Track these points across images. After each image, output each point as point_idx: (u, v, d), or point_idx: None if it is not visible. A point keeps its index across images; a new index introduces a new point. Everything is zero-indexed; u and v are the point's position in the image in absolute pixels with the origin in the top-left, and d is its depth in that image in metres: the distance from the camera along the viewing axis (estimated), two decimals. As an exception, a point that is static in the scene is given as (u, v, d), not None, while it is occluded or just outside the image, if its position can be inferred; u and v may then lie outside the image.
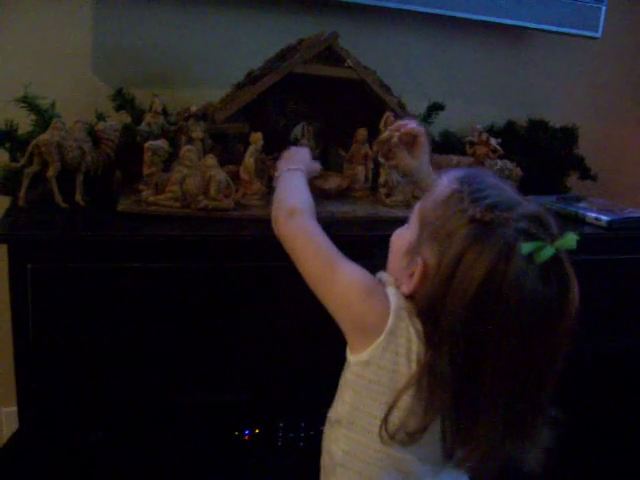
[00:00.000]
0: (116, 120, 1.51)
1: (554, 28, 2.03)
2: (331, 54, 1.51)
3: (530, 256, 0.74)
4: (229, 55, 1.81)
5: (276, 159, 1.44)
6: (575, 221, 1.65)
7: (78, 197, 1.38)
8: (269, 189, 1.46)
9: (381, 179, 1.54)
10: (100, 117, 1.53)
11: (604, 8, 2.05)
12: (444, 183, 0.85)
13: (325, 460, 0.95)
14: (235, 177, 1.41)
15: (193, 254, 1.29)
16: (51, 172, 1.32)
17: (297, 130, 1.54)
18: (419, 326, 0.81)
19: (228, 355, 1.35)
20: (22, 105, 1.41)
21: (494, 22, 1.95)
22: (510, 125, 2.05)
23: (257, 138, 1.41)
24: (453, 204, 0.80)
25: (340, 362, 0.92)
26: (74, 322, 1.24)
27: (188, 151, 1.35)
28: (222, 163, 1.40)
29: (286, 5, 1.83)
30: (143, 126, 1.47)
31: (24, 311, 1.20)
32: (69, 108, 1.52)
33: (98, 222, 1.31)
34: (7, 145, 1.42)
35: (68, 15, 1.67)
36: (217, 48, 1.81)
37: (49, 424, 1.28)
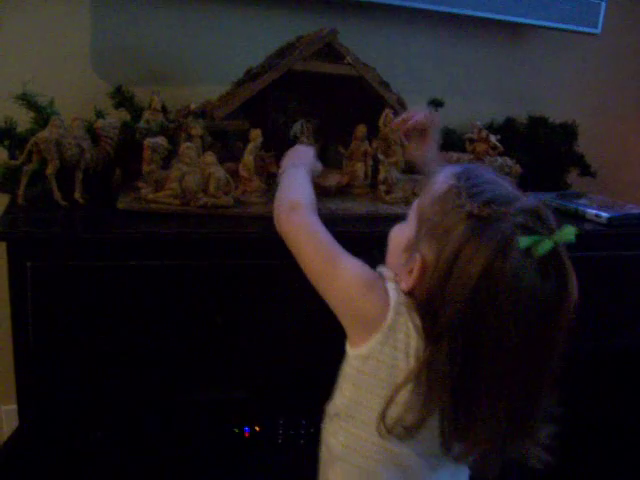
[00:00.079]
0: (115, 118, 1.50)
1: (554, 25, 2.03)
2: (330, 51, 1.51)
3: (528, 250, 0.74)
4: (228, 52, 1.80)
5: (276, 156, 1.45)
6: (575, 218, 1.65)
7: (77, 195, 1.37)
8: (268, 186, 1.46)
9: (380, 176, 1.53)
10: (99, 115, 1.53)
11: (604, 4, 2.05)
12: (441, 179, 0.85)
13: (324, 453, 0.96)
14: (234, 174, 1.41)
15: (192, 252, 1.28)
16: (50, 170, 1.31)
17: (296, 127, 1.54)
18: (418, 321, 0.81)
19: (228, 353, 1.35)
20: (21, 102, 1.41)
21: (494, 19, 1.95)
22: (510, 122, 2.05)
23: (256, 135, 1.41)
24: (450, 200, 0.80)
25: (340, 359, 0.92)
26: (74, 320, 1.24)
27: (187, 148, 1.35)
28: (221, 160, 1.40)
29: (285, 2, 1.82)
30: (142, 123, 1.46)
31: (24, 309, 1.20)
32: (68, 106, 1.52)
33: (97, 220, 1.31)
34: (6, 143, 1.42)
35: (67, 13, 1.67)
36: (216, 45, 1.81)
37: (49, 422, 1.28)
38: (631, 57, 2.35)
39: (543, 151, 1.98)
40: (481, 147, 1.73)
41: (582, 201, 1.74)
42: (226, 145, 1.54)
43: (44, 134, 1.31)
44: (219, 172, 1.35)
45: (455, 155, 1.72)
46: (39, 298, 1.21)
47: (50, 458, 1.29)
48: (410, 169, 1.59)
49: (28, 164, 1.32)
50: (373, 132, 1.55)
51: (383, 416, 0.82)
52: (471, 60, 2.12)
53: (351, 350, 0.88)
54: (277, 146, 1.47)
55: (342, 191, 1.56)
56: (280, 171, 1.19)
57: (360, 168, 1.57)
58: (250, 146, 1.41)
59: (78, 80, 1.71)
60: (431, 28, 2.02)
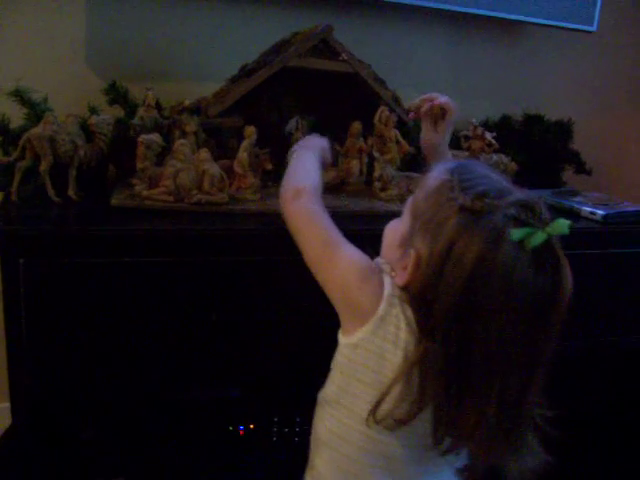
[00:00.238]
0: (109, 114, 1.50)
1: (550, 22, 2.03)
2: (326, 47, 1.50)
3: (521, 242, 0.74)
4: (223, 49, 1.80)
5: (270, 153, 1.44)
6: (570, 215, 1.64)
7: (71, 191, 1.37)
8: (263, 183, 1.45)
9: (376, 173, 1.53)
10: (93, 111, 1.53)
11: (599, 2, 2.06)
12: (435, 175, 0.85)
13: (312, 439, 0.98)
14: (229, 171, 1.40)
15: (186, 249, 1.28)
16: (43, 166, 1.31)
17: (291, 124, 1.53)
18: (410, 315, 0.82)
19: (222, 350, 1.34)
20: (14, 99, 1.40)
21: (489, 16, 1.95)
22: (505, 119, 2.05)
23: (251, 132, 1.41)
24: (443, 194, 0.80)
25: (335, 357, 0.92)
26: (67, 317, 1.23)
27: (181, 145, 1.34)
28: (216, 157, 1.39)
29: (280, -2, 1.82)
30: (136, 120, 1.46)
31: (16, 306, 1.20)
32: (62, 102, 1.51)
33: (91, 216, 1.31)
34: (-1, 139, 1.41)
35: (62, 9, 1.67)
36: (211, 42, 1.80)
37: (41, 421, 1.28)
38: (627, 54, 2.35)
39: (538, 149, 1.98)
40: (477, 144, 1.74)
41: (577, 199, 1.74)
42: (220, 142, 1.53)
43: (37, 130, 1.30)
44: (213, 169, 1.34)
45: (450, 152, 1.71)
46: (32, 295, 1.20)
47: (42, 456, 1.29)
48: (409, 162, 1.60)
49: (21, 160, 1.31)
50: (368, 129, 1.54)
51: (374, 411, 0.82)
52: (466, 57, 2.12)
53: (343, 338, 0.89)
54: (272, 143, 1.46)
55: (337, 188, 1.56)
56: (291, 150, 1.19)
57: (355, 165, 1.56)
58: (245, 143, 1.41)
59: (72, 76, 1.70)
60: (427, 25, 2.03)
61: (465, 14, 1.92)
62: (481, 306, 0.75)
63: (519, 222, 0.75)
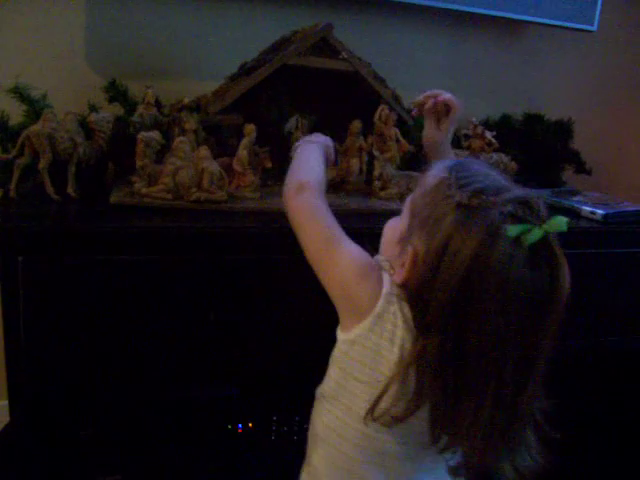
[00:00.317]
0: (109, 112, 1.49)
1: (550, 21, 2.03)
2: (326, 46, 1.50)
3: (517, 239, 0.74)
4: (223, 47, 1.80)
5: (270, 151, 1.44)
6: (570, 215, 1.64)
7: (70, 189, 1.36)
8: (263, 181, 1.45)
9: (376, 172, 1.53)
10: (92, 109, 1.52)
11: (600, 1, 2.05)
12: (433, 173, 0.85)
13: (310, 434, 0.98)
14: (228, 169, 1.40)
15: (186, 247, 1.27)
16: (42, 164, 1.30)
17: (291, 122, 1.53)
18: (408, 312, 0.82)
19: (221, 349, 1.34)
20: (13, 95, 1.40)
21: (490, 15, 1.94)
22: (505, 118, 2.05)
23: (251, 130, 1.40)
24: (441, 191, 0.80)
25: (334, 355, 0.91)
26: (65, 315, 1.23)
27: (181, 143, 1.34)
28: (215, 155, 1.39)
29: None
30: (136, 118, 1.46)
31: (15, 304, 1.19)
32: (61, 99, 1.51)
33: (90, 214, 1.30)
34: (-2, 136, 1.41)
35: (62, 7, 1.66)
36: (211, 40, 1.80)
37: (40, 419, 1.28)
38: (627, 54, 2.35)
39: (539, 148, 1.98)
40: (477, 143, 1.74)
41: (577, 198, 1.74)
42: (220, 140, 1.53)
43: (36, 128, 1.30)
44: (213, 167, 1.34)
45: (453, 152, 1.71)
46: (30, 293, 1.20)
47: (40, 455, 1.28)
48: (408, 161, 1.59)
49: (20, 158, 1.31)
50: (368, 128, 1.54)
51: (372, 410, 0.82)
52: (467, 56, 2.12)
53: (341, 334, 0.89)
54: (271, 141, 1.46)
55: (337, 187, 1.56)
56: (295, 144, 1.19)
57: (355, 164, 1.56)
58: (244, 141, 1.40)
59: (72, 74, 1.70)
60: (427, 24, 2.02)
61: (466, 13, 1.92)
62: (477, 303, 0.74)
63: (516, 219, 0.75)
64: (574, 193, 1.81)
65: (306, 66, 1.49)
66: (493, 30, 2.10)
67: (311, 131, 1.54)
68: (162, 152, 1.38)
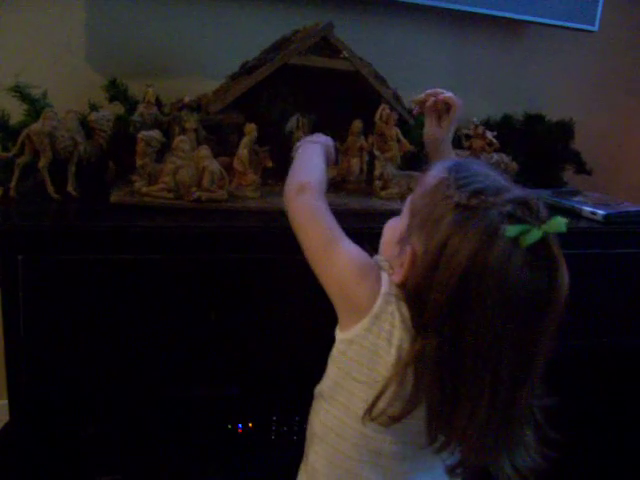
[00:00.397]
0: (109, 111, 1.49)
1: (551, 21, 2.03)
2: (326, 45, 1.49)
3: (516, 240, 0.73)
4: (224, 46, 1.80)
5: (270, 151, 1.44)
6: (571, 215, 1.64)
7: (70, 188, 1.36)
8: (263, 180, 1.45)
9: (376, 172, 1.52)
10: (93, 107, 1.52)
11: (601, 1, 2.05)
12: (433, 173, 0.85)
13: (308, 432, 0.98)
14: (229, 168, 1.40)
15: (186, 246, 1.27)
16: (43, 162, 1.30)
17: (292, 122, 1.53)
18: (406, 312, 0.82)
19: (221, 349, 1.34)
20: (14, 94, 1.40)
21: (491, 15, 1.94)
22: (506, 119, 2.05)
23: (251, 129, 1.40)
24: (440, 192, 0.80)
25: (334, 355, 0.91)
26: (65, 314, 1.23)
27: (181, 142, 1.34)
28: (216, 154, 1.39)
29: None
30: (136, 117, 1.46)
31: (15, 303, 1.19)
32: (62, 98, 1.51)
33: (90, 213, 1.30)
34: (-1, 135, 1.41)
35: (62, 5, 1.66)
36: (212, 39, 1.80)
37: (40, 418, 1.27)
38: (628, 54, 2.35)
39: (539, 148, 1.98)
40: (477, 143, 1.73)
41: (578, 198, 1.74)
42: (221, 139, 1.53)
43: (37, 126, 1.30)
44: (213, 166, 1.34)
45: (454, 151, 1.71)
46: (30, 292, 1.20)
47: (40, 454, 1.28)
48: (409, 161, 1.59)
49: (20, 156, 1.31)
50: (369, 127, 1.54)
51: (370, 410, 0.82)
52: (468, 56, 2.11)
53: (339, 334, 0.90)
54: (272, 140, 1.46)
55: (338, 186, 1.55)
56: (297, 145, 1.19)
57: (356, 163, 1.56)
58: (245, 140, 1.40)
59: (72, 73, 1.70)
60: (428, 24, 2.02)
61: (467, 13, 1.92)
62: (475, 303, 0.74)
63: (515, 219, 0.74)
64: (575, 193, 1.81)
65: (307, 65, 1.49)
66: (494, 30, 2.10)
67: (312, 130, 1.54)
68: (162, 151, 1.37)
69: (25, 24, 1.64)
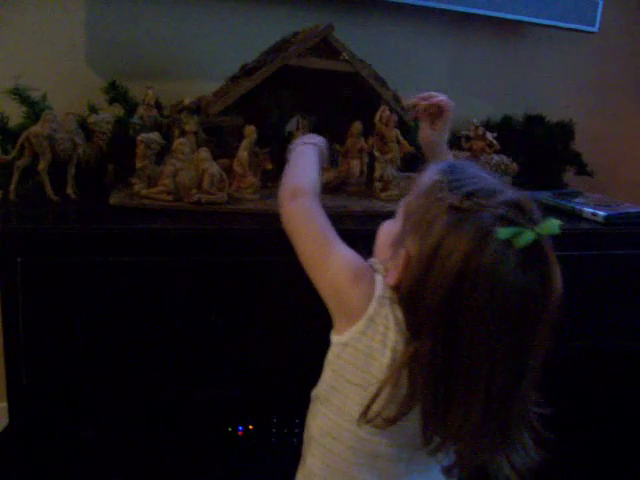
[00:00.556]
0: (109, 113, 1.49)
1: (551, 22, 2.03)
2: (326, 47, 1.49)
3: (509, 242, 0.73)
4: (223, 48, 1.80)
5: (270, 153, 1.43)
6: (572, 216, 1.64)
7: (70, 190, 1.36)
8: (263, 183, 1.45)
9: (376, 173, 1.52)
10: (92, 110, 1.52)
11: (601, 2, 2.05)
12: (427, 175, 0.85)
13: (305, 436, 0.99)
14: (229, 170, 1.40)
15: (186, 248, 1.27)
16: (42, 165, 1.30)
17: (292, 124, 1.53)
18: (400, 315, 0.82)
19: (222, 350, 1.34)
20: (13, 97, 1.40)
21: (491, 16, 1.94)
22: (506, 120, 2.05)
23: (251, 131, 1.40)
24: (433, 194, 0.80)
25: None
26: (65, 316, 1.23)
27: (181, 144, 1.34)
28: (216, 156, 1.39)
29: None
30: (136, 119, 1.45)
31: (14, 305, 1.19)
32: (61, 101, 1.51)
33: (90, 215, 1.30)
34: (-2, 138, 1.41)
35: (61, 6, 1.66)
36: (211, 41, 1.80)
37: (39, 421, 1.27)
38: (628, 55, 2.35)
39: (540, 150, 1.98)
40: (478, 145, 1.73)
41: (579, 200, 1.73)
42: (220, 141, 1.52)
43: (36, 129, 1.30)
44: (213, 168, 1.34)
45: (451, 152, 1.71)
46: (30, 294, 1.20)
47: (40, 456, 1.28)
48: (409, 162, 1.59)
49: (20, 159, 1.31)
50: (369, 129, 1.53)
51: (365, 413, 0.83)
52: (468, 57, 2.11)
53: (334, 337, 0.90)
54: (272, 142, 1.46)
55: (337, 188, 1.55)
56: (290, 146, 1.19)
57: (356, 165, 1.56)
58: (245, 142, 1.40)
59: (71, 75, 1.70)
60: (428, 25, 2.02)
61: (467, 14, 1.91)
62: (467, 305, 0.74)
63: (507, 221, 0.74)
64: (575, 194, 1.80)
65: (307, 67, 1.49)
66: (494, 31, 2.10)
67: (312, 132, 1.54)
68: (162, 153, 1.37)
69: (25, 26, 1.64)
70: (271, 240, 1.27)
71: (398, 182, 1.52)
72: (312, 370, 0.96)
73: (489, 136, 1.73)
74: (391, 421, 0.81)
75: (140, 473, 1.35)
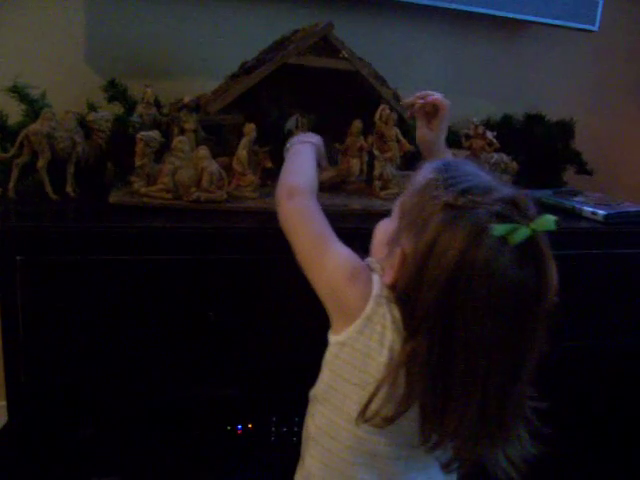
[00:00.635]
0: (108, 111, 1.49)
1: (551, 21, 2.02)
2: (326, 45, 1.49)
3: (504, 238, 0.73)
4: (223, 46, 1.80)
5: (270, 151, 1.43)
6: (572, 215, 1.64)
7: (69, 188, 1.36)
8: (262, 181, 1.45)
9: (376, 172, 1.52)
10: (92, 108, 1.52)
11: (601, 1, 2.05)
12: (422, 173, 0.85)
13: (304, 435, 0.99)
14: (228, 169, 1.40)
15: (185, 246, 1.27)
16: (41, 163, 1.30)
17: (291, 122, 1.53)
18: (397, 314, 0.82)
19: (220, 349, 1.34)
20: (12, 95, 1.40)
21: (491, 15, 1.94)
22: (506, 119, 2.04)
23: (250, 129, 1.40)
24: (428, 191, 0.80)
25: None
26: (64, 315, 1.23)
27: (180, 142, 1.34)
28: (215, 155, 1.39)
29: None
30: (135, 117, 1.45)
31: (13, 303, 1.19)
32: (60, 99, 1.51)
33: (89, 214, 1.30)
34: (-3, 136, 1.41)
35: (61, 5, 1.66)
36: (211, 39, 1.80)
37: (38, 419, 1.27)
38: (628, 54, 2.34)
39: (540, 148, 1.97)
40: (477, 143, 1.73)
41: (578, 199, 1.73)
42: (220, 139, 1.52)
43: (35, 127, 1.30)
44: (212, 166, 1.34)
45: (450, 151, 1.71)
46: (29, 293, 1.19)
47: (39, 455, 1.28)
48: (409, 161, 1.59)
49: (19, 157, 1.31)
50: (369, 128, 1.53)
51: (363, 412, 0.83)
52: (468, 56, 2.11)
53: (332, 336, 0.90)
54: (271, 141, 1.45)
55: (337, 187, 1.55)
56: (287, 146, 1.19)
57: (355, 164, 1.56)
58: (244, 140, 1.40)
59: (71, 73, 1.70)
60: (428, 23, 2.02)
61: (467, 12, 1.91)
62: (463, 302, 0.74)
63: (503, 218, 0.74)
64: (575, 193, 1.80)
65: (306, 65, 1.49)
66: (495, 30, 2.10)
67: (311, 131, 1.54)
68: (161, 152, 1.37)
69: (24, 25, 1.64)
70: (270, 238, 1.27)
71: (398, 181, 1.52)
72: (311, 369, 0.96)
73: (489, 135, 1.73)
74: (389, 420, 0.81)
75: (139, 472, 1.35)
